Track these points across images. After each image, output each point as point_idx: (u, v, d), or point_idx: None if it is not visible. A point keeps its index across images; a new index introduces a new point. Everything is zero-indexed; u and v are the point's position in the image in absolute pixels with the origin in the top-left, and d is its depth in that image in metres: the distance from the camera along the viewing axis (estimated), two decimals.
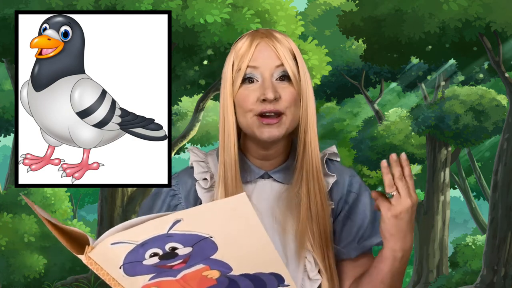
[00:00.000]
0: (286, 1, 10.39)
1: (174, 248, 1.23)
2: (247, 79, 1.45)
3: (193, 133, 12.07)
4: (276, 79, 1.44)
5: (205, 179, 1.54)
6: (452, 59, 12.61)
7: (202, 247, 1.24)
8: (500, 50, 10.92)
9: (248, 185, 1.53)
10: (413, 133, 14.53)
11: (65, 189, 13.13)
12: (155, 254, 1.24)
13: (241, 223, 1.22)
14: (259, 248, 1.26)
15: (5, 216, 11.77)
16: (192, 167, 1.56)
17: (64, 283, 11.31)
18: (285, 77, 1.45)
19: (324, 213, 1.50)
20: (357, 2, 11.57)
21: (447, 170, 14.66)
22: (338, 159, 1.60)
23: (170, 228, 1.20)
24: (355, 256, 1.53)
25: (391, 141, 15.06)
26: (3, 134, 18.15)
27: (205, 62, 11.38)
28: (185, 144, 15.54)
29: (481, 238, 13.79)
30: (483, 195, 19.22)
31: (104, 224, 11.10)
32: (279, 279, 1.32)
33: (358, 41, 13.47)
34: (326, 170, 1.55)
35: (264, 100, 1.43)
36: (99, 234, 11.24)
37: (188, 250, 1.24)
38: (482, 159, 19.62)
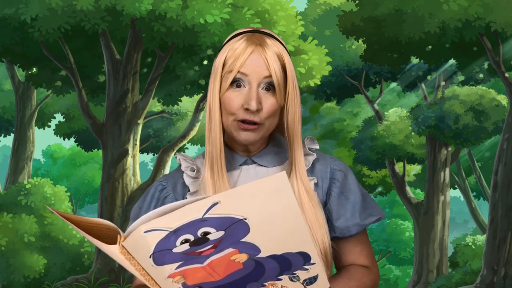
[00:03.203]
0: (286, 1, 10.38)
1: (206, 233, 1.23)
2: (236, 83, 1.52)
3: (193, 133, 12.07)
4: (262, 88, 1.52)
5: (192, 170, 1.62)
6: (452, 59, 12.61)
7: (234, 230, 1.24)
8: (500, 50, 10.92)
9: (233, 171, 1.61)
10: (413, 133, 14.53)
11: (65, 189, 13.13)
12: (186, 241, 1.24)
13: (280, 203, 1.22)
14: (292, 228, 1.26)
15: (5, 216, 11.77)
16: (180, 164, 1.65)
17: (64, 283, 11.31)
18: (270, 87, 1.52)
19: (311, 199, 1.56)
20: (357, 2, 11.56)
21: (447, 170, 14.66)
22: (317, 147, 1.67)
23: (206, 211, 1.20)
24: (355, 232, 1.61)
25: (391, 141, 15.06)
26: (3, 134, 18.15)
27: (205, 62, 11.38)
28: (185, 144, 15.53)
29: (481, 238, 13.79)
30: (483, 195, 19.22)
31: None
32: (305, 258, 1.32)
33: (358, 41, 13.47)
34: (306, 150, 1.63)
35: (247, 109, 1.51)
36: None
37: (220, 234, 1.24)
38: (482, 159, 19.62)
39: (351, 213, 1.60)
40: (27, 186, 12.34)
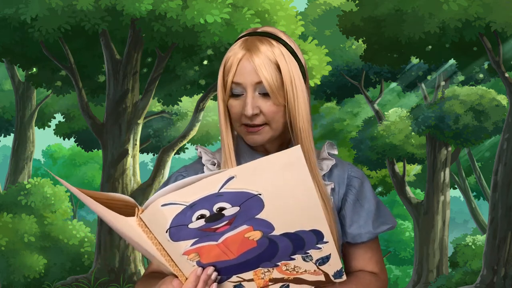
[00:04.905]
0: (286, 1, 10.38)
1: (221, 209, 1.26)
2: (234, 92, 1.56)
3: (193, 133, 12.07)
4: (259, 93, 1.55)
5: (213, 164, 1.66)
6: (452, 59, 12.61)
7: (249, 206, 1.26)
8: (500, 50, 10.92)
9: None
10: (413, 133, 14.53)
11: (65, 189, 13.12)
12: (201, 216, 1.26)
13: (293, 177, 1.25)
14: (305, 204, 1.29)
15: (5, 216, 11.77)
16: (200, 157, 1.68)
17: (64, 283, 11.31)
18: (266, 92, 1.55)
19: (324, 200, 1.58)
20: (357, 2, 11.56)
21: (447, 170, 14.66)
22: (336, 152, 1.69)
23: (222, 186, 1.23)
24: (367, 240, 1.64)
25: (391, 141, 15.06)
26: (3, 134, 18.15)
27: (205, 62, 11.38)
28: (185, 144, 15.53)
29: (481, 238, 13.79)
30: (483, 195, 19.22)
31: (104, 224, 11.11)
32: (318, 236, 1.35)
33: (358, 41, 13.47)
34: (326, 155, 1.65)
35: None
36: (99, 234, 11.24)
37: (235, 210, 1.26)
38: (482, 159, 19.62)
39: (365, 220, 1.63)
40: (27, 186, 12.34)
